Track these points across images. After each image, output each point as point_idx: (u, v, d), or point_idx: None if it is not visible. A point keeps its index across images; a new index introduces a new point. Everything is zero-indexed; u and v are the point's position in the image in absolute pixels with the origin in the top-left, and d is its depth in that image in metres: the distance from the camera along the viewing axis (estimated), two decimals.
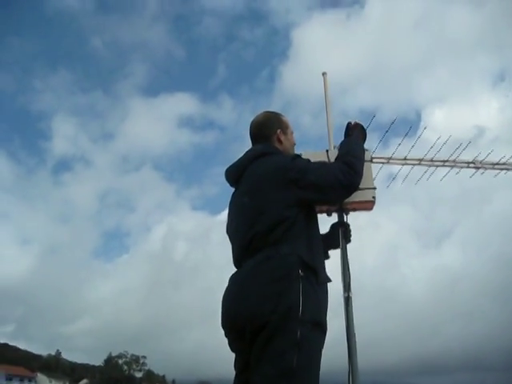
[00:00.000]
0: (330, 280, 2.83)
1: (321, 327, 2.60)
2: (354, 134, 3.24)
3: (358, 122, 3.32)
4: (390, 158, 3.62)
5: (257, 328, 2.50)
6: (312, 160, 2.96)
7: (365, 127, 3.32)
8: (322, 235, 3.11)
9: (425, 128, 3.60)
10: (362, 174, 2.97)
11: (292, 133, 3.23)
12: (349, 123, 3.33)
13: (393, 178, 3.79)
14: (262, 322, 2.49)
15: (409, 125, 3.56)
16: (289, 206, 2.75)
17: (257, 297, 2.56)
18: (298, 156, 2.99)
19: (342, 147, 3.15)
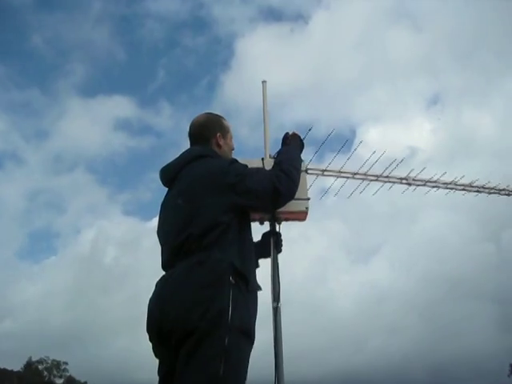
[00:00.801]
0: (260, 288, 2.79)
1: (249, 336, 2.56)
2: (292, 144, 3.24)
3: (295, 132, 3.32)
4: (324, 170, 3.66)
5: (184, 334, 2.43)
6: None
7: (302, 138, 3.32)
8: (254, 243, 3.05)
9: (360, 142, 3.70)
10: (298, 183, 2.96)
11: (232, 137, 3.18)
12: (286, 133, 3.32)
13: (326, 190, 3.84)
14: (189, 328, 2.42)
15: (344, 140, 3.62)
16: (224, 211, 2.70)
17: (185, 302, 2.48)
18: (236, 161, 2.94)
19: (280, 155, 3.14)
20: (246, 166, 2.90)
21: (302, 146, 3.28)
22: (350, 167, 3.76)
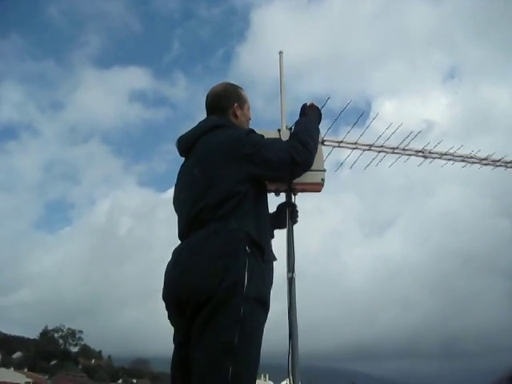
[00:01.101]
0: (275, 259, 2.82)
1: (264, 305, 2.59)
2: (310, 115, 3.23)
3: (313, 103, 3.31)
4: (340, 142, 3.64)
5: (200, 302, 2.46)
6: None
7: (320, 109, 3.31)
8: (270, 214, 3.07)
9: (377, 114, 3.67)
10: (315, 154, 2.97)
11: (249, 108, 3.18)
12: (304, 104, 3.31)
13: (342, 162, 3.82)
14: (206, 297, 2.45)
15: (359, 113, 3.58)
16: (240, 181, 2.71)
17: (202, 271, 2.51)
18: (253, 131, 2.94)
19: (297, 126, 3.14)
20: (263, 136, 2.90)
21: (319, 117, 3.27)
22: (366, 140, 3.74)
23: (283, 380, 2.98)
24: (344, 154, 3.77)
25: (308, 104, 3.30)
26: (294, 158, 2.81)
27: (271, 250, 2.81)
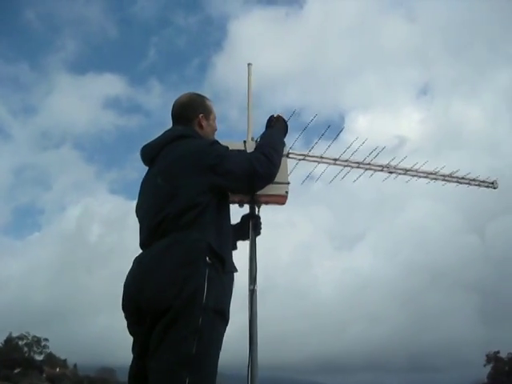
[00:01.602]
0: (236, 270, 2.82)
1: (223, 316, 2.59)
2: (276, 127, 3.25)
3: (280, 115, 3.33)
4: (306, 155, 3.66)
5: (159, 312, 2.45)
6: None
7: (287, 121, 3.32)
8: (233, 226, 3.08)
9: (342, 129, 3.69)
10: (278, 167, 2.99)
11: (215, 118, 3.19)
12: (271, 116, 3.33)
13: (307, 175, 3.83)
14: (164, 307, 2.44)
15: (333, 127, 3.61)
16: (203, 192, 2.71)
17: (162, 280, 2.51)
18: (217, 142, 2.96)
19: (263, 138, 3.16)
20: (227, 147, 2.91)
21: (285, 130, 3.29)
22: (335, 154, 3.76)
23: None
24: (314, 168, 3.79)
25: (275, 116, 3.31)
26: (256, 169, 2.82)
27: (232, 261, 2.81)
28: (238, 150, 3.00)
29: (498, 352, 58.62)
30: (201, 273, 2.50)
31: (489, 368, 58.13)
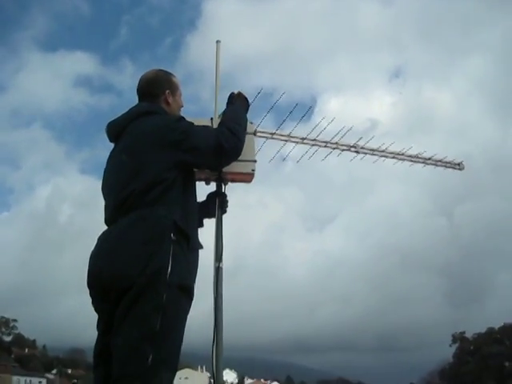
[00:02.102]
0: (201, 247, 2.83)
1: (188, 292, 2.59)
2: (237, 103, 3.23)
3: (240, 91, 3.31)
4: (273, 134, 3.65)
5: (123, 289, 2.45)
6: None
7: (247, 98, 3.30)
8: (199, 203, 3.09)
9: (310, 107, 3.70)
10: (243, 141, 2.97)
11: (181, 95, 3.16)
12: (232, 93, 3.31)
13: (274, 155, 3.83)
14: (128, 283, 2.44)
15: (306, 108, 3.60)
16: (168, 168, 2.69)
17: (126, 257, 2.50)
18: (183, 118, 2.93)
19: (225, 114, 3.12)
20: (193, 123, 2.89)
21: (247, 106, 3.28)
22: (304, 133, 3.76)
23: (212, 370, 2.99)
24: (286, 147, 3.79)
25: (235, 93, 3.30)
26: (222, 144, 2.80)
27: (197, 239, 2.82)
28: (204, 126, 2.98)
29: (464, 332, 60.04)
30: (165, 250, 2.49)
31: (454, 348, 59.43)
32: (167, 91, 3.04)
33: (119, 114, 3.00)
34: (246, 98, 3.28)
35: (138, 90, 3.10)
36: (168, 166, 2.70)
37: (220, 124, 3.00)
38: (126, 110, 2.98)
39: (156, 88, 3.04)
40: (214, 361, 2.96)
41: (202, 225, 3.19)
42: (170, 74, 3.15)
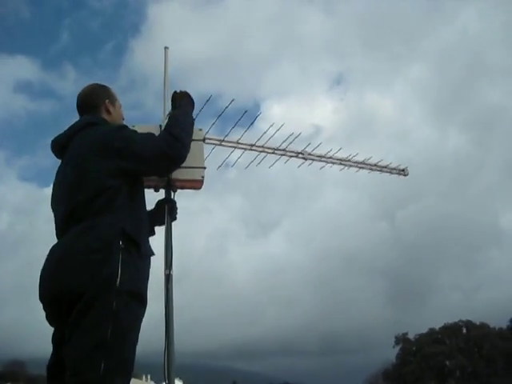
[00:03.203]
0: (152, 253, 2.82)
1: (139, 299, 2.58)
2: (183, 105, 3.20)
3: (183, 91, 3.29)
4: (222, 140, 3.67)
5: (74, 299, 2.43)
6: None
7: (191, 96, 3.27)
8: (149, 211, 3.07)
9: (259, 113, 3.71)
10: (189, 147, 2.95)
11: (120, 106, 3.15)
12: (174, 92, 3.30)
13: (223, 161, 3.85)
14: (78, 293, 2.42)
15: (248, 114, 3.62)
16: (112, 176, 2.68)
17: (75, 267, 2.49)
18: (125, 126, 2.93)
19: (170, 119, 3.10)
20: (136, 131, 2.90)
21: (192, 105, 3.26)
22: (251, 140, 3.79)
23: (164, 379, 2.96)
24: (234, 153, 3.81)
25: (178, 92, 3.28)
26: (165, 151, 2.79)
27: (148, 245, 2.81)
28: (147, 133, 2.95)
29: (406, 333, 61.12)
30: (114, 257, 2.48)
31: (397, 349, 60.48)
32: (107, 100, 3.04)
33: (62, 121, 3.02)
34: (190, 97, 3.26)
35: (77, 106, 3.09)
36: (111, 173, 2.69)
37: (164, 130, 2.99)
38: (68, 115, 2.97)
39: (95, 99, 3.04)
40: (167, 370, 2.94)
41: (153, 233, 3.18)
42: (106, 86, 3.15)
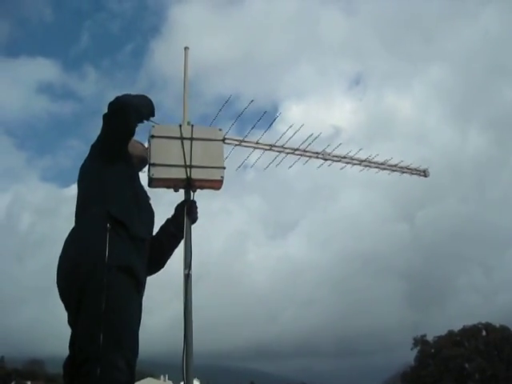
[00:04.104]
0: (143, 235, 2.91)
1: (128, 272, 2.70)
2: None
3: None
4: (242, 141, 3.64)
5: (71, 287, 2.64)
6: (165, 134, 3.18)
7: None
8: (172, 215, 3.25)
9: (279, 114, 3.69)
10: (133, 100, 2.98)
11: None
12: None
13: (243, 162, 3.83)
14: (75, 279, 2.62)
15: (267, 115, 3.60)
16: (94, 168, 2.96)
17: (69, 257, 2.74)
18: None
19: None
20: None
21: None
22: (270, 141, 3.77)
23: (183, 380, 2.97)
24: (253, 154, 3.80)
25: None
26: (106, 113, 2.90)
27: (138, 226, 2.87)
28: None
29: (425, 335, 60.68)
30: (102, 238, 2.66)
31: (416, 351, 60.05)
32: None
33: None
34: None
35: None
36: (93, 166, 2.98)
37: None
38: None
39: None
40: (185, 370, 2.95)
41: (182, 236, 3.21)
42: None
